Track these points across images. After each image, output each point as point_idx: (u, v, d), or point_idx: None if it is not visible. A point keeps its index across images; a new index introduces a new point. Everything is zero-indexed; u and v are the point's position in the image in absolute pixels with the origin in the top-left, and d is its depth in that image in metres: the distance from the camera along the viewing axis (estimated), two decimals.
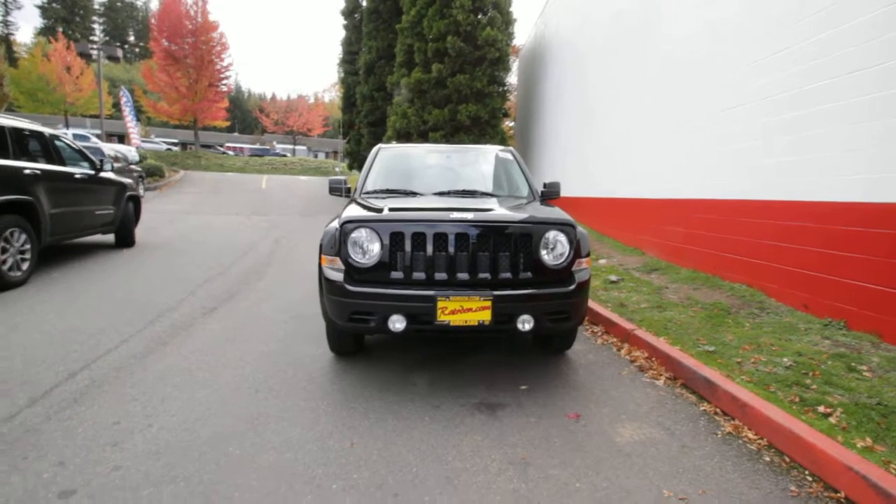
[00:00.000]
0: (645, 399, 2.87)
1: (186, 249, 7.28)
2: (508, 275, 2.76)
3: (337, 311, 2.81)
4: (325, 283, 2.85)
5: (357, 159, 23.37)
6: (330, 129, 60.84)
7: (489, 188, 3.93)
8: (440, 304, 2.59)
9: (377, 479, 1.99)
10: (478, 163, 4.27)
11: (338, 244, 2.84)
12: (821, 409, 2.51)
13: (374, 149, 4.31)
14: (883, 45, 3.55)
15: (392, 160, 4.23)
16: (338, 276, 2.78)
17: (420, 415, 2.57)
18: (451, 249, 2.70)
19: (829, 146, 3.99)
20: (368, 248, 2.77)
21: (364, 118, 19.17)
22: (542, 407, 2.73)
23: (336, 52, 62.22)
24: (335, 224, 2.95)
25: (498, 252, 2.74)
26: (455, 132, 14.90)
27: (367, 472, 2.05)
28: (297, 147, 58.34)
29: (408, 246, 2.72)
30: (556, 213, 3.09)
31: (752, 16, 5.00)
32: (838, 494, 1.98)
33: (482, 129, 15.36)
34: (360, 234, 2.79)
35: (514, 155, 4.36)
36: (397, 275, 2.73)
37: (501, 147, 4.46)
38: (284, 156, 45.82)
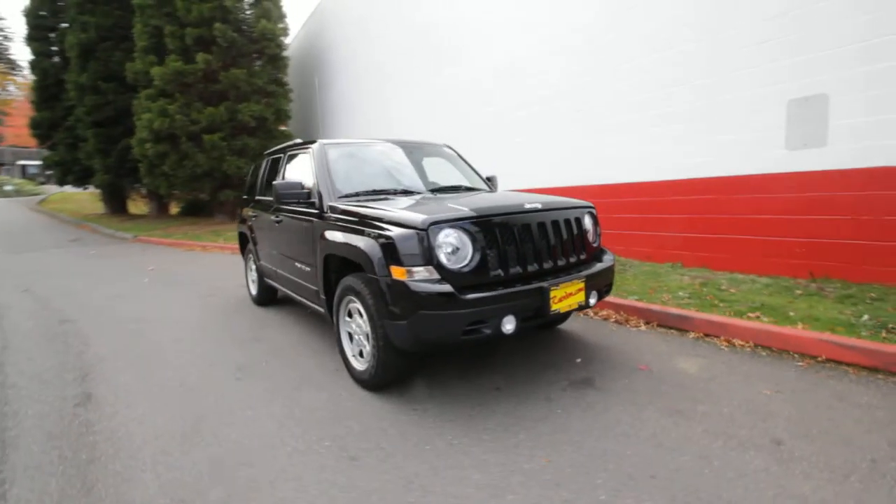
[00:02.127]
0: (657, 340, 3.44)
1: None
2: (576, 257, 2.92)
3: (447, 327, 2.34)
4: (421, 299, 2.34)
5: (71, 171, 17.49)
6: None
7: (466, 182, 3.90)
8: (552, 294, 2.54)
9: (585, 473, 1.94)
10: (440, 158, 4.13)
11: (426, 250, 2.40)
12: (750, 314, 3.69)
13: (316, 147, 3.61)
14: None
15: (351, 159, 3.64)
16: (443, 287, 2.32)
17: (543, 411, 2.49)
18: (536, 239, 2.68)
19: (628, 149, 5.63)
20: (463, 250, 2.45)
21: (86, 115, 14.56)
22: (615, 370, 2.97)
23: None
24: (407, 230, 2.45)
25: (566, 237, 2.86)
26: (236, 134, 13.02)
27: (570, 447, 1.95)
28: None
29: (500, 241, 2.55)
30: (568, 198, 3.37)
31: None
32: (818, 358, 2.98)
33: (268, 131, 13.93)
34: (453, 236, 2.43)
35: (453, 150, 4.42)
36: (496, 273, 2.51)
37: (438, 143, 4.42)
38: None
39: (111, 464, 2.22)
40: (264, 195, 4.61)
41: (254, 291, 5.18)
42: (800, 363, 2.96)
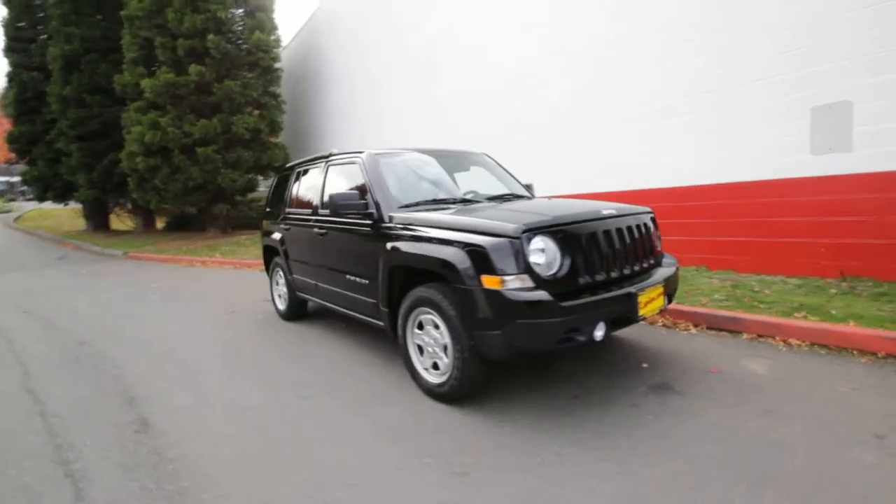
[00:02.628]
0: (713, 343, 3.47)
1: None
2: (647, 261, 2.94)
3: (544, 336, 2.32)
4: (518, 308, 2.32)
5: (52, 187, 16.83)
6: None
7: (512, 190, 3.90)
8: (640, 299, 2.54)
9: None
10: (481, 167, 4.12)
11: (520, 258, 2.38)
12: (797, 314, 3.77)
13: (365, 157, 3.56)
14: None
15: (402, 168, 3.60)
16: (541, 296, 2.30)
17: (634, 418, 2.47)
18: (616, 244, 2.68)
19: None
20: (554, 258, 2.44)
21: (70, 129, 14.07)
22: (687, 373, 2.97)
23: None
24: (499, 238, 2.42)
25: (639, 241, 2.88)
26: (230, 147, 12.77)
27: (677, 453, 1.94)
28: None
29: (585, 248, 2.55)
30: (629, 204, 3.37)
31: None
32: (879, 354, 3.04)
33: (262, 143, 13.72)
34: (544, 243, 2.42)
35: (490, 157, 4.42)
36: (585, 280, 2.50)
37: (475, 151, 4.41)
38: None
39: (204, 493, 2.10)
40: (297, 207, 4.52)
41: (282, 307, 5.04)
42: (862, 360, 3.04)
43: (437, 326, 2.75)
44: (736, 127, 5.14)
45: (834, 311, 3.67)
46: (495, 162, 4.38)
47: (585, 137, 6.65)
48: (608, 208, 2.78)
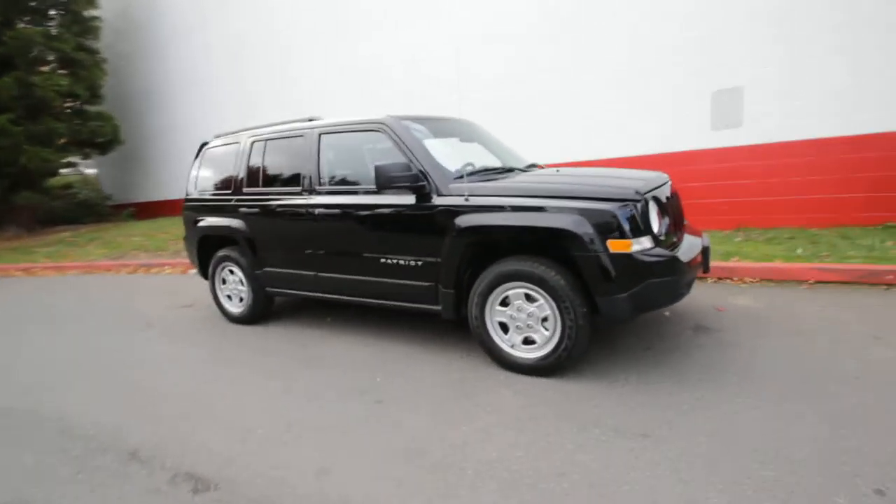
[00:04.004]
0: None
1: None
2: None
3: (671, 292, 2.49)
4: (650, 268, 2.38)
5: None
6: None
7: (509, 162, 3.76)
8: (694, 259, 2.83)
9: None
10: (475, 139, 3.91)
11: (645, 220, 2.42)
12: (734, 259, 4.65)
13: (393, 123, 3.05)
14: None
15: (435, 136, 3.21)
16: (670, 254, 2.42)
17: (700, 353, 2.73)
18: (673, 207, 2.92)
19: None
20: (659, 219, 2.53)
21: None
22: (702, 314, 3.37)
23: None
24: (622, 202, 2.42)
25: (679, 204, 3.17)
26: (35, 115, 9.62)
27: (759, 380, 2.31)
28: None
29: (668, 210, 2.71)
30: None
31: None
32: (810, 281, 4.05)
33: (81, 112, 10.66)
34: (651, 207, 2.49)
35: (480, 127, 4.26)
36: (672, 240, 2.66)
37: (465, 119, 4.17)
38: None
39: None
40: (268, 186, 3.74)
41: (237, 309, 4.15)
42: (801, 287, 3.96)
43: (531, 299, 2.65)
44: (654, 107, 5.99)
45: (751, 254, 4.68)
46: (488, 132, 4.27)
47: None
48: (659, 175, 3.02)
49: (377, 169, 2.84)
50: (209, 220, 4.15)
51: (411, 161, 2.96)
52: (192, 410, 2.68)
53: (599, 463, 1.96)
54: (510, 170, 3.35)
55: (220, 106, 10.66)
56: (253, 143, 3.88)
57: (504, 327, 2.79)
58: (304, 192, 3.48)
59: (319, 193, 3.40)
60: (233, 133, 4.23)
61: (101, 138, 10.87)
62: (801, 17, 5.10)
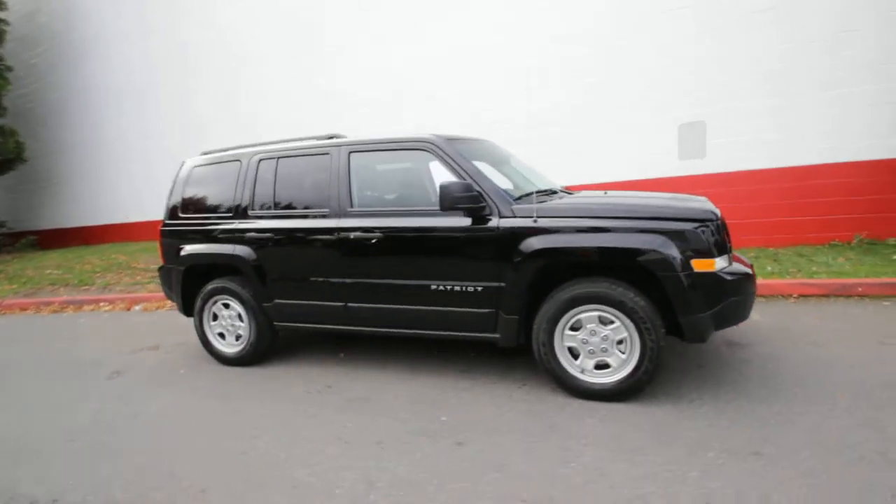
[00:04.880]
0: None
1: None
2: None
3: (747, 308, 2.61)
4: (733, 286, 2.46)
5: None
6: None
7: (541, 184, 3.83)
8: None
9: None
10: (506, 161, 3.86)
11: (723, 240, 2.50)
12: None
13: (442, 143, 2.90)
14: None
15: (478, 158, 3.08)
16: (748, 271, 2.49)
17: (747, 366, 2.81)
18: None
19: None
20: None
21: None
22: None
23: None
24: (702, 222, 2.47)
25: None
26: None
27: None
28: None
29: None
30: None
31: None
32: (793, 296, 4.43)
33: None
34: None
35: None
36: None
37: (484, 139, 4.07)
38: None
39: None
40: (282, 209, 3.36)
41: (232, 349, 3.63)
42: (790, 301, 4.33)
43: (604, 322, 2.59)
44: (626, 140, 6.39)
45: None
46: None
47: None
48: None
49: (443, 189, 2.66)
50: (200, 248, 3.63)
51: (471, 182, 2.82)
52: (246, 478, 2.23)
53: (733, 488, 1.90)
54: (553, 192, 3.32)
55: (160, 119, 9.67)
56: (260, 161, 3.49)
57: (573, 352, 2.69)
58: (332, 216, 3.17)
59: (352, 216, 3.11)
60: (226, 150, 3.80)
61: (4, 156, 9.30)
62: (742, 67, 5.80)
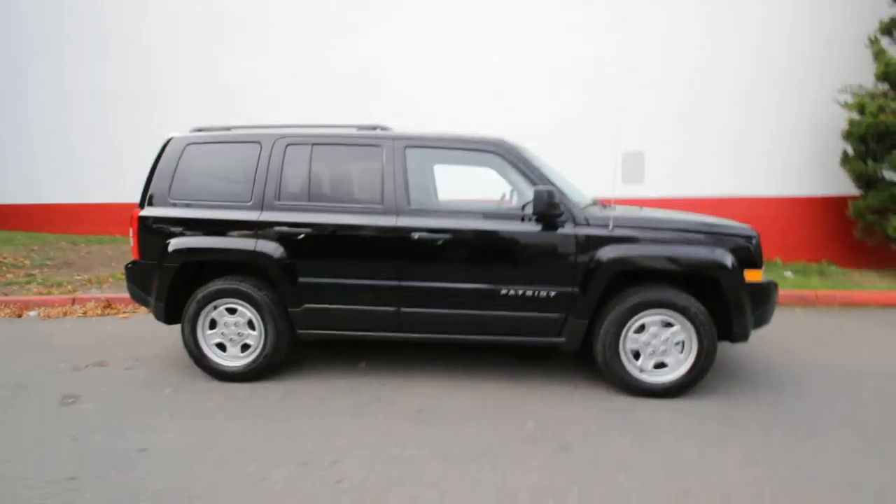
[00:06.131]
0: None
1: None
2: None
3: (773, 310, 2.97)
4: (771, 292, 2.88)
5: None
6: None
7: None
8: None
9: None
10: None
11: (761, 255, 2.87)
12: None
13: (510, 146, 2.91)
14: None
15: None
16: (771, 280, 2.88)
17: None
18: None
19: None
20: None
21: None
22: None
23: None
24: (748, 238, 2.84)
25: None
26: None
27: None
28: None
29: None
30: None
31: None
32: None
33: None
34: None
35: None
36: None
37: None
38: None
39: None
40: (325, 201, 3.01)
41: (238, 363, 3.09)
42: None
43: (667, 325, 2.84)
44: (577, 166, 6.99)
45: None
46: None
47: None
48: None
49: (538, 194, 2.66)
50: (202, 242, 3.04)
51: (542, 185, 2.86)
52: None
53: (819, 461, 2.23)
54: (593, 202, 3.52)
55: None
56: (288, 145, 3.07)
57: (635, 353, 2.89)
58: (386, 213, 2.93)
59: (411, 214, 2.92)
60: (235, 129, 3.27)
61: None
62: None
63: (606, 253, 2.80)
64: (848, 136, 5.57)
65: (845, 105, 5.63)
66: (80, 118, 8.08)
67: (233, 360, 3.11)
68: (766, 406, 2.79)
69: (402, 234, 2.89)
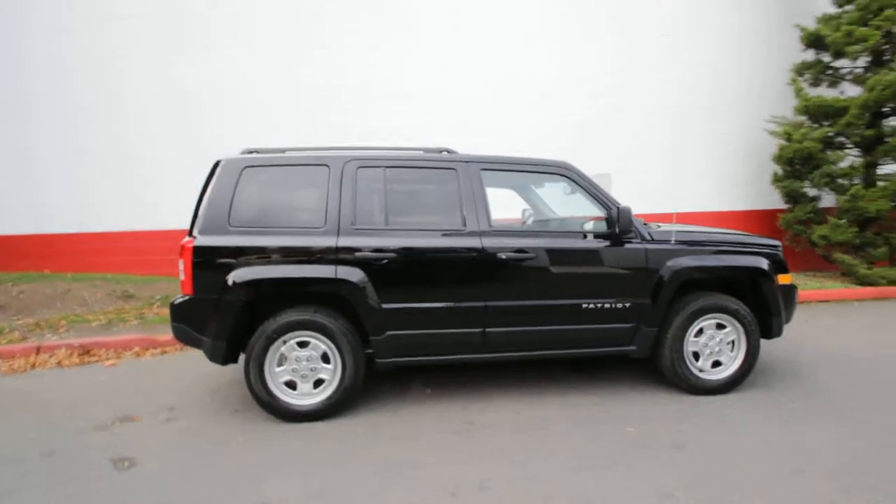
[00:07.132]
0: None
1: None
2: None
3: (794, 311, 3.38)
4: (796, 294, 3.32)
5: None
6: None
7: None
8: None
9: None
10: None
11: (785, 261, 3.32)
12: None
13: (575, 168, 3.11)
14: None
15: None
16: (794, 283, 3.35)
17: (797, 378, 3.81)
18: None
19: None
20: None
21: None
22: None
23: None
24: (776, 246, 3.27)
25: None
26: None
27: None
28: None
29: None
30: None
31: None
32: None
33: None
34: None
35: None
36: None
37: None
38: None
39: None
40: (397, 226, 2.95)
41: (313, 400, 2.88)
42: None
43: (720, 327, 3.18)
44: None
45: None
46: None
47: None
48: None
49: (623, 213, 2.88)
50: (275, 272, 2.82)
51: (609, 206, 3.11)
52: None
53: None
54: None
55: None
56: (359, 168, 2.99)
57: (695, 355, 3.19)
58: (469, 234, 2.96)
59: (494, 235, 2.98)
60: (290, 151, 3.11)
61: None
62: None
63: (672, 265, 3.09)
64: (778, 158, 6.63)
65: (773, 133, 6.72)
66: None
67: (305, 397, 2.89)
68: (800, 391, 3.24)
69: (488, 255, 2.94)
